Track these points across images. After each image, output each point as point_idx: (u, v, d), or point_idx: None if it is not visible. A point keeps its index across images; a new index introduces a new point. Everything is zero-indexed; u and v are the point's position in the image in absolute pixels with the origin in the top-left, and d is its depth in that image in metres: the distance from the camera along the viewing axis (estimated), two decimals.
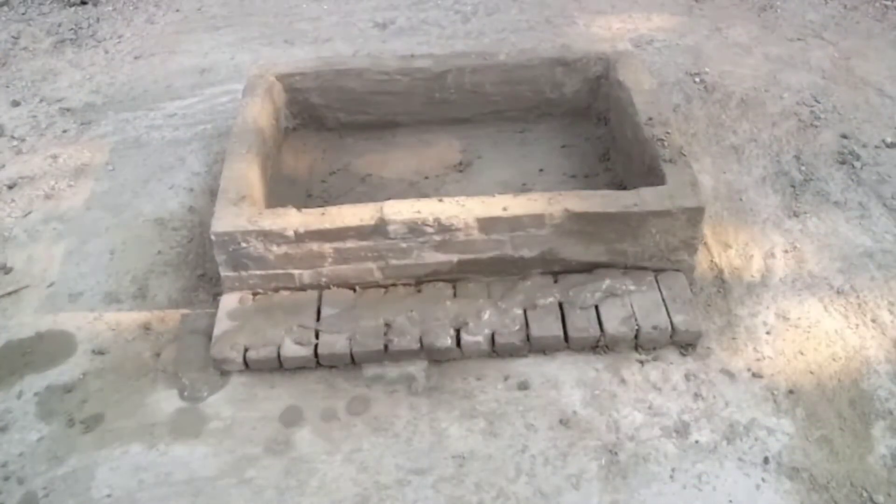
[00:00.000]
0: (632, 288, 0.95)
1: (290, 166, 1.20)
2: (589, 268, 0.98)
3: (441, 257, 0.96)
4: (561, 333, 0.92)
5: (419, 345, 0.90)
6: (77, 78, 1.53)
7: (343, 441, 0.84)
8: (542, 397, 0.88)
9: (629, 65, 1.17)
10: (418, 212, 0.92)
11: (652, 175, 1.00)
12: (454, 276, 0.98)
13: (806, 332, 0.93)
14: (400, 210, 0.92)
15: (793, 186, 1.17)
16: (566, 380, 0.91)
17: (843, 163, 1.22)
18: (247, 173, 0.99)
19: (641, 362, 0.91)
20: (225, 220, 0.92)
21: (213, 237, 0.92)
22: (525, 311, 0.93)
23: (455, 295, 0.96)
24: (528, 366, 0.92)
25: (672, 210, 0.92)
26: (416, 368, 0.91)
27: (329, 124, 1.28)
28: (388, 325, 0.93)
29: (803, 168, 1.21)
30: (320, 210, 0.94)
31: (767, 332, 0.93)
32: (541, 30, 1.62)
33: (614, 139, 1.18)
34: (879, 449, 0.81)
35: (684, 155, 0.99)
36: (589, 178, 1.17)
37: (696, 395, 0.86)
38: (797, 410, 0.85)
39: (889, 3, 1.68)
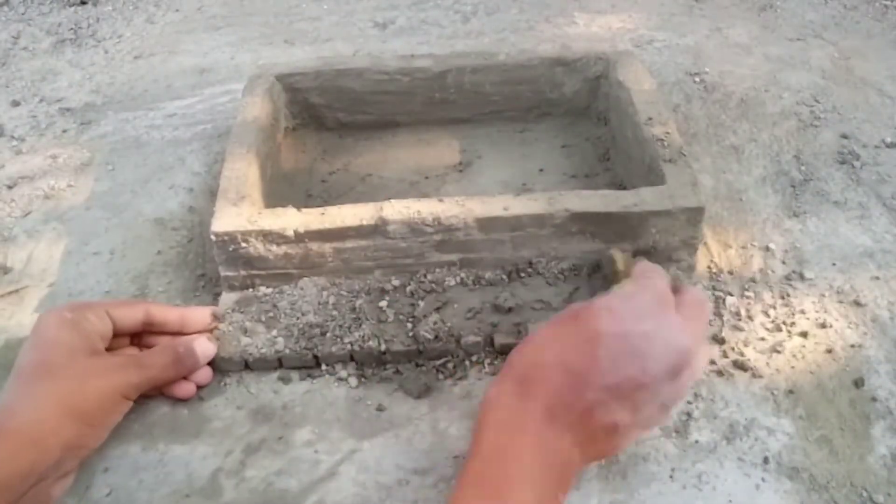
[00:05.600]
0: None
1: (290, 166, 1.19)
2: (589, 268, 0.98)
3: (441, 257, 0.96)
4: None
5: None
6: (77, 78, 1.52)
7: (343, 441, 0.84)
8: None
9: (629, 65, 1.17)
10: (418, 212, 0.92)
11: (652, 175, 1.00)
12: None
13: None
14: (400, 210, 0.92)
15: (793, 186, 1.17)
16: None
17: (843, 163, 1.21)
18: (247, 173, 0.99)
19: None
20: (225, 220, 0.92)
21: (212, 237, 0.91)
22: (524, 311, 0.93)
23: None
24: None
25: (672, 210, 0.91)
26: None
27: (329, 124, 1.27)
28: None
29: (803, 168, 1.20)
30: (320, 210, 0.93)
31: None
32: (541, 30, 1.61)
33: (614, 139, 1.18)
34: (879, 449, 0.81)
35: (684, 155, 0.99)
36: (589, 178, 1.16)
37: (696, 395, 0.86)
38: (797, 410, 0.85)
39: (889, 2, 1.68)
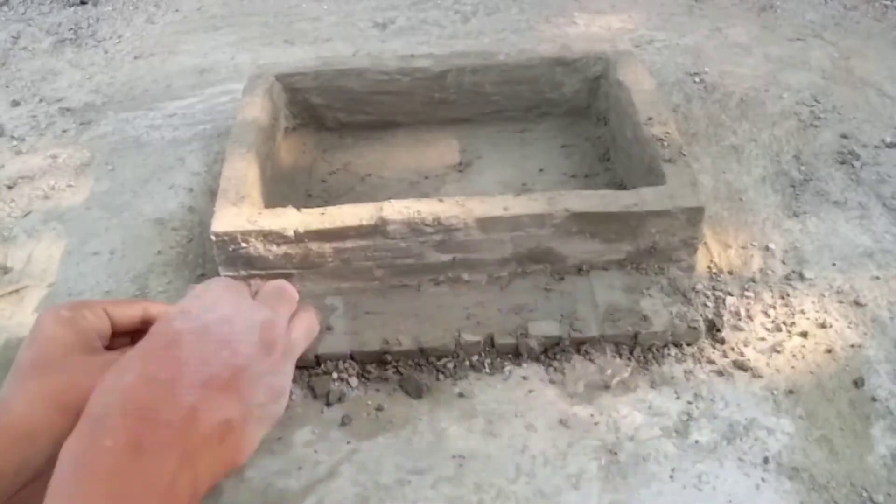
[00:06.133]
0: (631, 288, 0.95)
1: (290, 166, 1.19)
2: (588, 268, 0.98)
3: (441, 257, 0.96)
4: (560, 333, 0.92)
5: (419, 345, 0.90)
6: (77, 78, 1.52)
7: (343, 441, 0.84)
8: (542, 397, 0.88)
9: (629, 65, 1.17)
10: (418, 212, 0.92)
11: (652, 175, 1.00)
12: (454, 276, 0.98)
13: (806, 332, 0.93)
14: (400, 210, 0.92)
15: (793, 186, 1.17)
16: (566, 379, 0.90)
17: (843, 163, 1.21)
18: (247, 173, 0.99)
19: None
20: (224, 221, 0.92)
21: (212, 237, 0.91)
22: (524, 311, 0.93)
23: (455, 295, 0.96)
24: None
25: (672, 210, 0.91)
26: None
27: (329, 124, 1.27)
28: (387, 325, 0.93)
29: (803, 168, 1.20)
30: (320, 210, 0.93)
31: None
32: (541, 30, 1.61)
33: (614, 139, 1.18)
34: (879, 449, 0.81)
35: (684, 155, 0.99)
36: (589, 177, 1.16)
37: (696, 395, 0.86)
38: (797, 410, 0.85)
39: (889, 2, 1.68)
